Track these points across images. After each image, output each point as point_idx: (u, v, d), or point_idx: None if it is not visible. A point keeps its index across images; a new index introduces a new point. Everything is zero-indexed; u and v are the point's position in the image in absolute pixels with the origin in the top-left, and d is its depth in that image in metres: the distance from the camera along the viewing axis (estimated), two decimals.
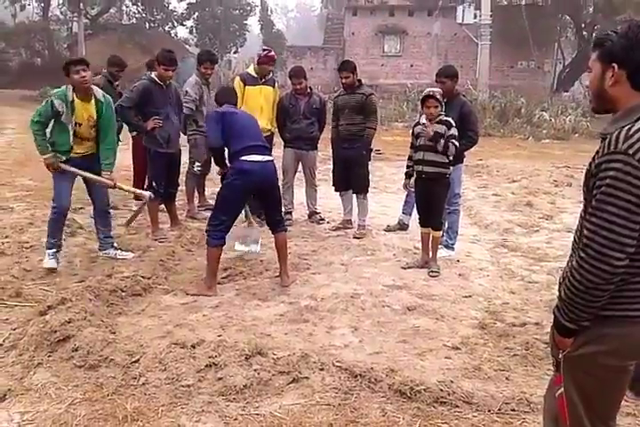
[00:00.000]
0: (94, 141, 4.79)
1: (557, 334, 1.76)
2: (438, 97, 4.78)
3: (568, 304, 1.67)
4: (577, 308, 1.66)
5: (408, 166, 5.15)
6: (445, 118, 4.86)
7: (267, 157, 4.42)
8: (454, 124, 4.84)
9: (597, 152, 1.67)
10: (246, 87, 6.09)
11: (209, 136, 4.70)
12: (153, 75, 5.61)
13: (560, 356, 1.78)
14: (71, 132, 4.60)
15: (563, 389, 1.77)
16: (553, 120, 18.24)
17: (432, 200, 4.97)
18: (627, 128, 1.61)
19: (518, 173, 10.09)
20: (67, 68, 4.55)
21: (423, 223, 5.09)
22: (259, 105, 6.14)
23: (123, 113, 5.41)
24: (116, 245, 5.04)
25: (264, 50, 6.38)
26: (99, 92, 4.74)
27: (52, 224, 4.71)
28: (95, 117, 4.70)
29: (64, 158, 4.68)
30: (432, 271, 4.91)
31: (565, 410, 1.78)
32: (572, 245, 1.83)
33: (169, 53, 5.56)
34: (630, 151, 1.56)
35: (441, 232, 5.16)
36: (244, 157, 4.31)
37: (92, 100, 4.68)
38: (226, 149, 4.51)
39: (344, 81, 5.97)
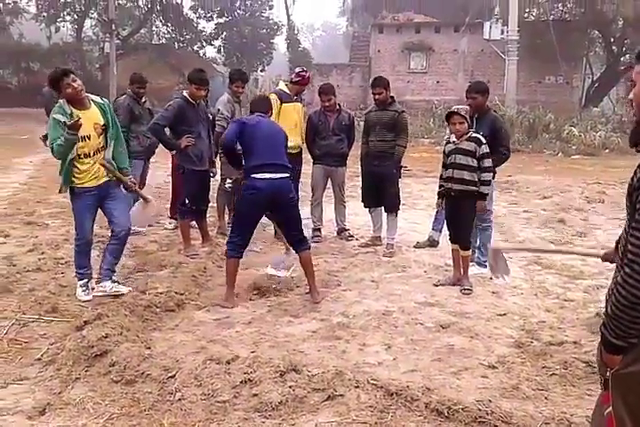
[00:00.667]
0: (103, 152, 4.45)
1: (605, 351, 1.73)
2: (463, 113, 4.77)
3: (615, 320, 1.65)
4: (624, 324, 1.63)
5: (440, 186, 5.12)
6: (475, 135, 4.84)
7: (279, 175, 4.38)
8: (484, 141, 4.82)
9: (639, 166, 1.66)
10: (282, 104, 6.17)
11: (224, 136, 4.78)
12: (185, 93, 5.72)
13: (608, 374, 1.74)
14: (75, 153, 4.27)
15: (611, 407, 1.73)
16: (582, 136, 18.02)
17: (459, 218, 4.95)
18: None
19: (549, 189, 9.99)
20: (56, 84, 4.22)
21: (453, 240, 5.07)
22: (294, 121, 6.22)
23: (157, 130, 5.52)
24: (114, 278, 4.60)
25: (302, 71, 6.41)
26: (94, 97, 4.49)
27: (78, 256, 4.52)
28: (102, 122, 4.40)
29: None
30: (465, 289, 4.86)
31: None
32: (617, 261, 1.80)
33: (200, 73, 5.67)
34: None
35: (470, 251, 5.10)
36: (255, 175, 4.37)
37: (92, 105, 4.39)
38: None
39: (377, 97, 5.99)
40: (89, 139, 4.33)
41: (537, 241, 6.60)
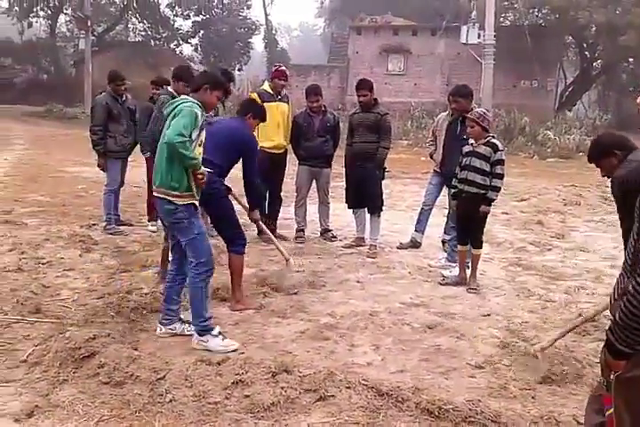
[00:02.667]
0: None
1: (610, 356, 1.76)
2: (473, 117, 4.83)
3: (623, 328, 1.68)
4: (633, 332, 1.66)
5: (454, 186, 5.19)
6: (493, 141, 4.92)
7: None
8: (501, 148, 4.90)
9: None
10: (264, 104, 6.15)
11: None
12: (170, 89, 5.68)
13: (612, 377, 1.78)
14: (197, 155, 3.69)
15: (613, 409, 1.78)
16: (557, 139, 18.36)
17: (472, 219, 5.01)
18: None
19: (526, 191, 10.15)
20: (221, 87, 3.79)
21: (461, 241, 5.14)
22: (276, 121, 6.21)
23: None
24: (182, 317, 3.95)
25: (275, 65, 6.49)
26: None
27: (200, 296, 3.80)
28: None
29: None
30: (470, 288, 4.95)
31: None
32: (624, 266, 1.84)
33: (187, 70, 5.63)
34: None
35: (481, 250, 5.17)
36: None
37: None
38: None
39: (361, 99, 6.02)
40: (201, 145, 3.87)
41: (517, 242, 6.69)
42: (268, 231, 5.25)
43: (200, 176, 3.63)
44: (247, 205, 4.72)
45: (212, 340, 3.61)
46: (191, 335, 3.72)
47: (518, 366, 3.50)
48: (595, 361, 3.45)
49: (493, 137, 4.99)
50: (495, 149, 4.86)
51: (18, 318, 3.94)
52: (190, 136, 3.50)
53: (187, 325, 3.82)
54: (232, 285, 4.42)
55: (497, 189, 4.94)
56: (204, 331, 3.63)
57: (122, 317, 3.96)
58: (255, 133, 6.18)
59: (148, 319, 4.04)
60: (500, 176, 4.91)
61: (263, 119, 4.85)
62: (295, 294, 4.72)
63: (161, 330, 3.79)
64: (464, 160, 4.98)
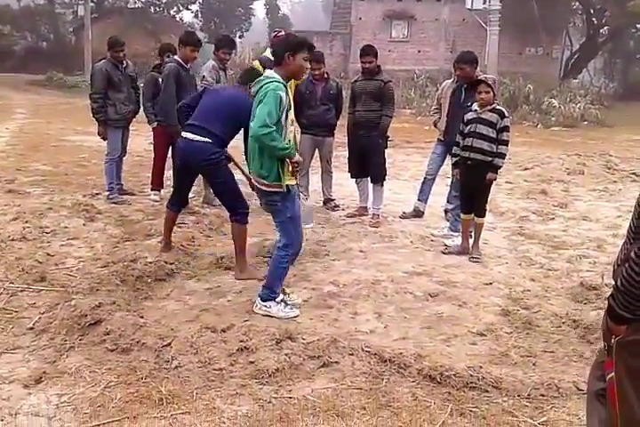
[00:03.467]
0: None
1: (611, 321, 1.78)
2: (490, 82, 4.75)
3: (624, 294, 1.70)
4: (633, 298, 1.68)
5: (455, 155, 5.12)
6: (499, 107, 4.85)
7: (197, 137, 4.26)
8: (507, 115, 4.84)
9: None
10: (266, 71, 6.07)
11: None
12: (176, 57, 5.64)
13: (612, 341, 1.81)
14: (287, 137, 3.57)
15: (614, 373, 1.80)
16: (562, 107, 18.17)
17: (477, 187, 4.98)
18: None
19: (530, 160, 10.10)
20: (292, 51, 3.54)
21: (465, 210, 5.12)
22: None
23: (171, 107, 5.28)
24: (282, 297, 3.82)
25: (275, 31, 6.37)
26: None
27: (277, 276, 3.84)
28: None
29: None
30: (473, 257, 4.98)
31: (615, 393, 1.81)
32: (628, 232, 1.84)
33: (194, 35, 5.60)
34: None
35: (484, 218, 5.16)
36: (182, 133, 4.41)
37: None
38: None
39: (367, 66, 5.93)
40: (293, 123, 3.71)
41: (520, 212, 6.69)
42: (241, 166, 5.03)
43: (295, 165, 3.57)
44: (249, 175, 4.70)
45: (274, 306, 3.67)
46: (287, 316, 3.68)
47: (519, 334, 3.54)
48: (596, 328, 3.48)
49: (498, 104, 4.93)
50: (502, 115, 4.81)
51: (23, 287, 3.99)
52: (279, 121, 3.42)
53: (282, 304, 3.74)
54: (236, 254, 4.44)
55: (503, 156, 4.90)
56: (269, 298, 3.70)
57: (127, 285, 3.99)
58: None
59: (153, 288, 4.08)
60: (506, 143, 4.87)
61: None
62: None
63: (256, 306, 3.75)
64: (468, 127, 4.91)
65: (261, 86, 3.49)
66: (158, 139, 6.36)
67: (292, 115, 3.60)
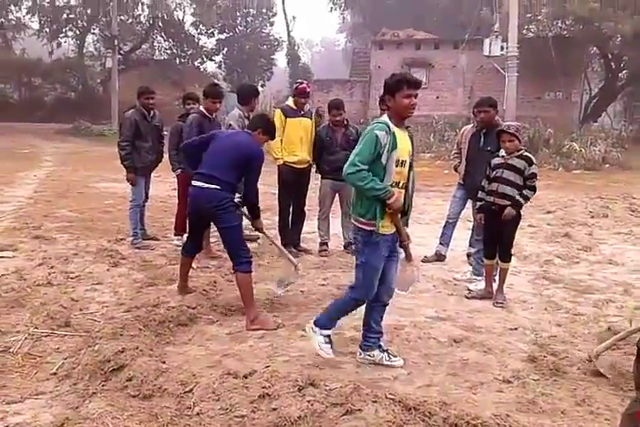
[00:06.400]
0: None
1: None
2: (512, 131, 4.79)
3: None
4: None
5: (480, 199, 5.11)
6: (526, 154, 4.89)
7: (206, 184, 4.35)
8: (535, 162, 4.88)
9: None
10: (287, 119, 6.25)
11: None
12: (201, 108, 5.83)
13: None
14: (392, 177, 3.39)
15: None
16: (583, 150, 18.14)
17: (502, 233, 4.96)
18: None
19: (552, 203, 10.05)
20: (391, 92, 3.42)
21: (488, 255, 5.09)
22: (299, 136, 6.29)
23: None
24: (382, 344, 3.76)
25: (297, 82, 6.55)
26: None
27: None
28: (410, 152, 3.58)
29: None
30: (497, 302, 4.93)
31: None
32: None
33: (216, 87, 5.80)
34: None
35: (510, 263, 5.12)
36: (192, 182, 4.50)
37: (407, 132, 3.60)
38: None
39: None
40: (403, 165, 3.49)
41: (544, 255, 6.62)
42: (274, 240, 5.26)
43: (392, 208, 3.37)
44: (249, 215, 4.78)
45: (317, 335, 3.65)
46: (391, 366, 3.66)
47: (547, 381, 3.45)
48: (626, 376, 3.39)
49: (526, 150, 4.96)
50: (530, 162, 4.83)
51: (48, 332, 4.02)
52: (378, 161, 3.32)
53: (386, 354, 3.69)
54: (244, 304, 4.37)
55: (527, 198, 4.89)
56: (320, 325, 3.67)
57: (149, 330, 4.00)
58: (279, 149, 6.31)
59: (175, 333, 4.08)
60: (534, 189, 4.88)
61: (272, 136, 4.83)
62: (285, 290, 4.92)
63: (360, 355, 3.72)
64: (494, 172, 4.92)
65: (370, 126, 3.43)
66: (181, 185, 6.48)
67: (403, 156, 3.43)
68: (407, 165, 3.50)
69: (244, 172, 4.49)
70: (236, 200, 6.17)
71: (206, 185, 4.37)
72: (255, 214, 4.74)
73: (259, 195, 4.76)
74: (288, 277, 5.04)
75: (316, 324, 3.69)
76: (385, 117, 3.45)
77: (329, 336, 3.70)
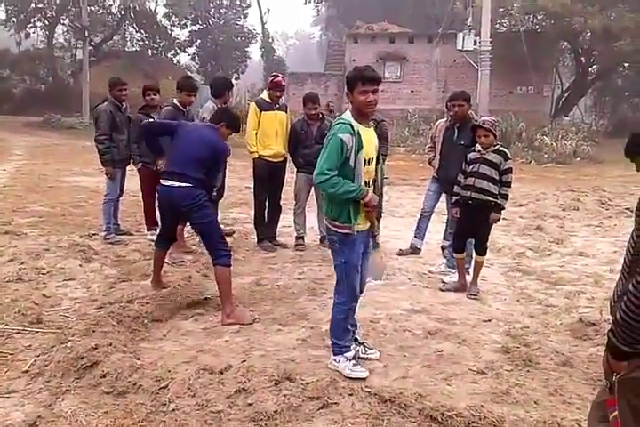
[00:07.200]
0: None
1: (612, 357, 1.78)
2: (487, 126, 4.82)
3: (624, 328, 1.70)
4: (633, 331, 1.68)
5: (456, 194, 5.13)
6: (502, 149, 4.92)
7: (177, 183, 4.31)
8: (510, 157, 4.92)
9: None
10: (262, 112, 6.22)
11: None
12: (175, 101, 5.77)
13: (614, 379, 1.79)
14: (361, 178, 3.34)
15: (617, 411, 1.78)
16: (554, 144, 18.44)
17: (478, 227, 5.01)
18: None
19: (525, 197, 10.18)
20: (349, 88, 3.35)
21: (458, 249, 5.14)
22: (274, 129, 6.26)
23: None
24: (358, 337, 3.75)
25: (272, 75, 6.50)
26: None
27: (337, 328, 3.60)
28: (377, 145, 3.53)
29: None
30: (471, 294, 4.98)
31: None
32: (623, 267, 1.86)
33: (190, 80, 5.72)
34: None
35: (485, 257, 5.18)
36: (161, 181, 4.46)
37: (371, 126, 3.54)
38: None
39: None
40: (370, 163, 3.43)
41: (516, 248, 6.71)
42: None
43: (368, 206, 3.35)
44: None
45: (342, 362, 3.44)
46: (367, 358, 3.63)
47: (520, 372, 3.50)
48: (596, 366, 3.46)
49: (502, 145, 5.01)
50: (506, 157, 4.88)
51: (19, 329, 3.95)
52: (346, 164, 3.25)
53: (362, 347, 3.67)
54: (221, 298, 4.35)
55: (506, 197, 4.96)
56: (338, 352, 3.50)
57: (123, 326, 3.95)
58: (254, 142, 6.27)
59: (149, 329, 4.04)
60: (509, 184, 4.93)
61: (236, 129, 4.77)
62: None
63: (329, 360, 3.58)
64: (471, 167, 4.96)
65: (331, 128, 3.35)
66: (144, 179, 6.37)
67: (369, 154, 3.36)
68: (374, 161, 3.45)
69: (216, 166, 4.50)
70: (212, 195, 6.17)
71: (177, 184, 4.31)
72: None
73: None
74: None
75: (334, 354, 3.52)
76: (347, 114, 3.38)
77: (354, 357, 3.50)
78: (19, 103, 34.15)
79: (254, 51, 42.88)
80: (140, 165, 6.34)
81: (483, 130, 4.83)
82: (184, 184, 4.30)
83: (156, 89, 6.53)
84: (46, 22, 37.12)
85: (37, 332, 3.94)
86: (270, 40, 40.60)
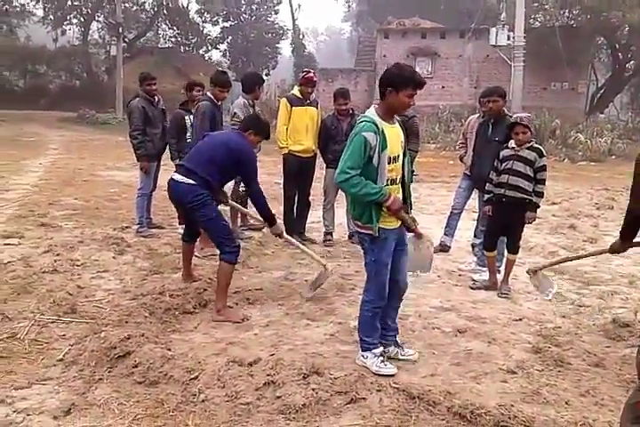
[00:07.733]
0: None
1: None
2: (525, 123, 4.75)
3: None
4: None
5: (489, 191, 5.06)
6: (537, 146, 4.86)
7: (183, 178, 4.27)
8: (545, 154, 4.85)
9: None
10: (293, 108, 6.24)
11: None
12: (209, 94, 5.83)
13: None
14: (385, 177, 3.27)
15: None
16: (588, 142, 18.06)
17: (511, 225, 4.96)
18: None
19: (558, 195, 10.02)
20: (395, 87, 3.23)
21: (489, 247, 5.09)
22: (304, 125, 6.28)
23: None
24: (397, 340, 3.71)
25: (303, 71, 6.51)
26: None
27: (366, 326, 3.55)
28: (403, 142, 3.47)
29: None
30: (502, 293, 4.93)
31: None
32: None
33: (224, 75, 5.77)
34: None
35: (517, 255, 5.14)
36: (172, 173, 4.49)
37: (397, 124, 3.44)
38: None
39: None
40: (396, 160, 3.36)
41: (549, 247, 6.61)
42: (298, 243, 4.98)
43: (390, 210, 3.26)
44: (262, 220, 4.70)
45: (370, 358, 3.42)
46: (407, 360, 3.59)
47: (551, 372, 3.46)
48: (629, 367, 3.39)
49: (536, 142, 4.93)
50: (540, 154, 4.80)
51: (54, 318, 4.04)
52: (370, 163, 3.21)
53: (401, 348, 3.64)
54: (216, 293, 4.31)
55: (542, 195, 4.89)
56: (366, 348, 3.48)
57: (155, 317, 4.03)
58: (285, 137, 6.30)
59: (181, 320, 4.11)
60: (544, 182, 4.85)
61: (266, 136, 4.66)
62: (309, 299, 4.64)
63: (357, 356, 3.57)
64: (504, 164, 4.88)
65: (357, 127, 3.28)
66: None
67: (394, 152, 3.30)
68: (400, 158, 3.38)
69: (233, 172, 4.45)
70: (241, 189, 6.20)
71: (183, 179, 4.28)
72: (270, 222, 4.58)
73: (267, 203, 4.54)
74: (320, 278, 4.79)
75: (362, 350, 3.49)
76: (372, 111, 3.32)
77: (382, 354, 3.46)
78: (54, 99, 34.86)
79: (285, 47, 42.95)
80: (177, 160, 6.41)
81: (521, 126, 4.76)
82: (188, 181, 4.27)
83: (202, 85, 6.60)
84: (82, 19, 37.75)
85: (72, 322, 4.03)
86: (301, 36, 40.57)
